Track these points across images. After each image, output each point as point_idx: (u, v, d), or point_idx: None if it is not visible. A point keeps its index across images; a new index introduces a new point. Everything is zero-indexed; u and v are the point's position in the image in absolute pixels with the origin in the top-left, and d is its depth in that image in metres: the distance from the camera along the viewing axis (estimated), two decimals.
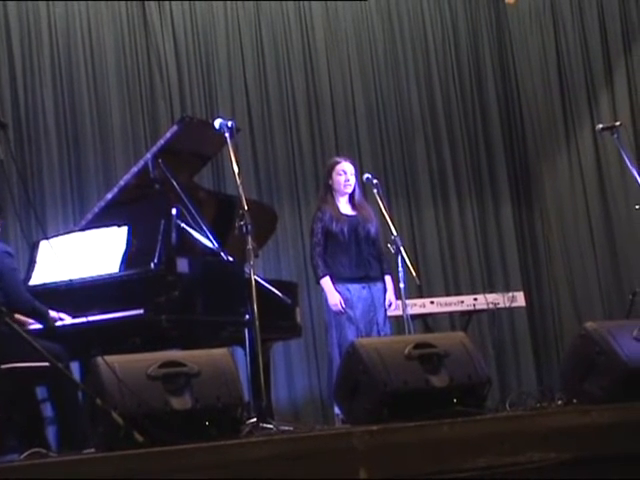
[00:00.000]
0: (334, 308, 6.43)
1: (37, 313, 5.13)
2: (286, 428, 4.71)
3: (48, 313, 5.16)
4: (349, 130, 9.08)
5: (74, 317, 5.23)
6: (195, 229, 5.57)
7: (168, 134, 5.75)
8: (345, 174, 6.62)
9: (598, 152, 9.06)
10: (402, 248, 6.38)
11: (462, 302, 7.61)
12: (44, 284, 5.51)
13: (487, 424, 3.76)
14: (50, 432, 5.10)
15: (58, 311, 5.23)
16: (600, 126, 6.38)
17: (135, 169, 5.80)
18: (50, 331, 5.07)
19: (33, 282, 5.58)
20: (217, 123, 5.49)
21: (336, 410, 5.88)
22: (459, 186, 9.30)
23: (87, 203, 7.77)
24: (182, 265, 5.30)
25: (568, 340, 5.86)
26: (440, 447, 3.55)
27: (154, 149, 5.76)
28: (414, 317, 7.18)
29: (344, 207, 6.65)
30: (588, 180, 9.16)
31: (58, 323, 5.18)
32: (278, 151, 8.84)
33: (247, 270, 5.28)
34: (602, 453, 3.65)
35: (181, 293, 5.23)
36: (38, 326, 5.14)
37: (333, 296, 6.43)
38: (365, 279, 6.55)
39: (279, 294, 5.83)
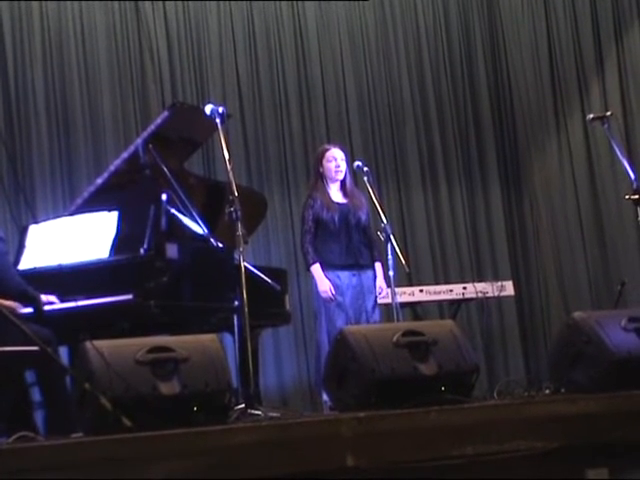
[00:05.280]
0: (324, 295, 6.43)
1: (27, 297, 5.11)
2: (274, 414, 4.71)
3: (39, 297, 5.15)
4: (340, 116, 9.08)
5: (63, 301, 5.22)
6: (185, 215, 5.56)
7: (159, 119, 5.74)
8: (335, 160, 6.62)
9: (588, 141, 9.08)
10: (392, 236, 6.38)
11: (451, 291, 7.62)
12: (33, 269, 5.50)
13: (475, 412, 3.77)
14: (38, 416, 5.10)
15: (47, 295, 5.22)
16: (590, 116, 6.38)
17: (125, 154, 5.79)
18: (39, 315, 5.05)
19: (22, 267, 5.57)
20: (208, 109, 5.48)
21: (324, 397, 5.89)
22: (449, 174, 9.30)
23: (77, 188, 7.75)
24: (171, 251, 5.30)
25: (556, 329, 5.87)
26: (427, 435, 3.56)
27: (144, 134, 5.75)
28: (403, 305, 7.19)
29: (335, 194, 6.65)
30: (578, 170, 9.18)
31: (47, 307, 5.16)
32: (269, 137, 8.83)
33: (236, 256, 5.29)
34: (589, 442, 3.67)
35: (170, 279, 5.23)
36: (27, 310, 5.12)
37: (323, 283, 6.44)
38: (355, 266, 6.55)
39: (268, 281, 5.84)
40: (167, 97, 8.45)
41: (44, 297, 5.18)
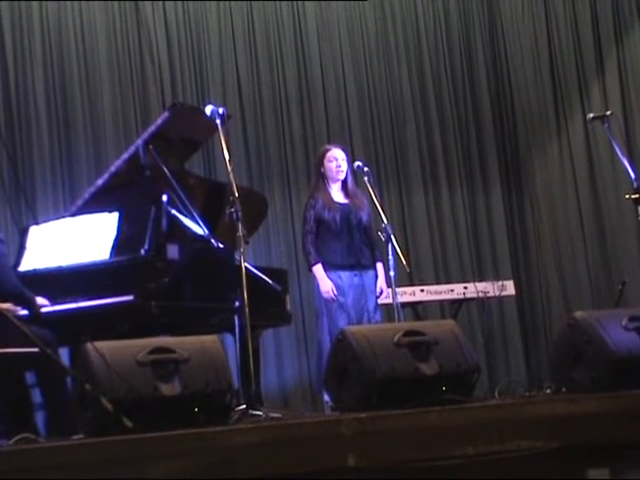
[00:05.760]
0: (326, 295, 6.43)
1: (24, 299, 5.10)
2: (275, 415, 4.71)
3: (34, 299, 5.14)
4: (340, 117, 9.08)
5: (63, 303, 5.22)
6: (185, 215, 5.56)
7: (159, 120, 5.74)
8: (336, 160, 6.62)
9: (589, 141, 9.08)
10: (392, 236, 6.38)
11: (452, 290, 7.62)
12: (34, 270, 5.50)
13: (475, 412, 3.77)
14: (39, 418, 5.10)
15: (43, 296, 5.21)
16: (591, 115, 6.37)
17: (126, 155, 5.79)
18: (35, 317, 5.04)
19: (23, 268, 5.57)
20: (208, 110, 5.47)
21: (325, 397, 5.89)
22: (450, 174, 9.30)
23: (77, 189, 7.75)
24: (172, 252, 5.30)
25: (557, 329, 5.87)
26: (428, 434, 3.56)
27: (145, 135, 5.74)
28: (404, 305, 7.19)
29: (336, 195, 6.65)
30: (578, 169, 9.18)
31: (48, 308, 5.16)
32: (269, 138, 8.83)
33: (237, 257, 5.29)
34: (590, 441, 3.67)
35: (171, 279, 5.23)
36: (23, 312, 5.11)
37: (325, 283, 6.43)
38: (357, 267, 6.54)
39: (269, 281, 5.83)
40: (167, 98, 8.45)
41: (42, 300, 5.18)
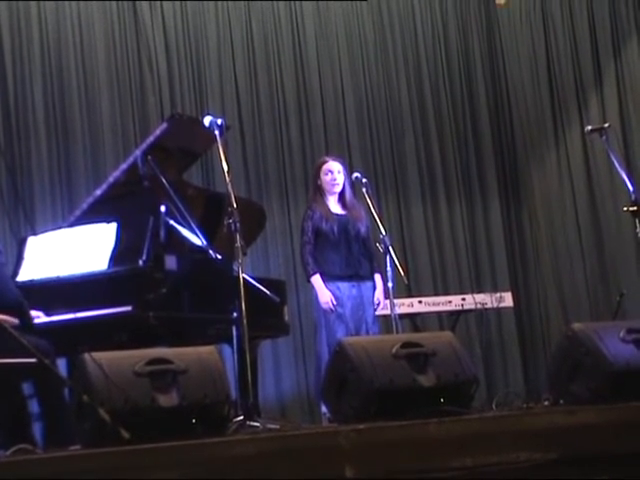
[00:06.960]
0: (325, 306, 6.43)
1: (23, 310, 5.09)
2: (273, 426, 4.70)
3: (29, 311, 5.12)
4: (339, 128, 9.09)
5: (59, 313, 5.21)
6: (184, 226, 5.56)
7: (157, 131, 5.74)
8: (332, 173, 6.63)
9: (587, 153, 9.10)
10: (391, 247, 6.38)
11: (450, 302, 7.62)
12: (32, 280, 5.49)
13: (474, 423, 3.76)
14: (36, 428, 5.08)
15: (41, 307, 5.20)
16: (589, 128, 6.39)
17: (124, 166, 5.79)
18: (28, 328, 5.02)
19: (21, 278, 5.56)
20: (207, 121, 5.48)
21: (323, 409, 5.88)
22: (448, 186, 9.31)
23: (76, 199, 7.74)
24: (170, 262, 5.30)
25: (555, 341, 5.88)
26: (426, 446, 3.55)
27: (143, 146, 5.74)
28: (402, 316, 7.19)
29: (334, 206, 6.65)
30: (577, 181, 9.19)
31: (37, 320, 5.14)
32: (268, 149, 8.84)
33: (235, 268, 5.28)
34: (588, 453, 3.66)
35: (169, 290, 5.23)
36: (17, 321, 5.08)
37: (324, 294, 6.43)
38: (355, 278, 6.55)
39: (267, 292, 5.83)
40: (166, 108, 8.45)
41: (34, 312, 5.16)
